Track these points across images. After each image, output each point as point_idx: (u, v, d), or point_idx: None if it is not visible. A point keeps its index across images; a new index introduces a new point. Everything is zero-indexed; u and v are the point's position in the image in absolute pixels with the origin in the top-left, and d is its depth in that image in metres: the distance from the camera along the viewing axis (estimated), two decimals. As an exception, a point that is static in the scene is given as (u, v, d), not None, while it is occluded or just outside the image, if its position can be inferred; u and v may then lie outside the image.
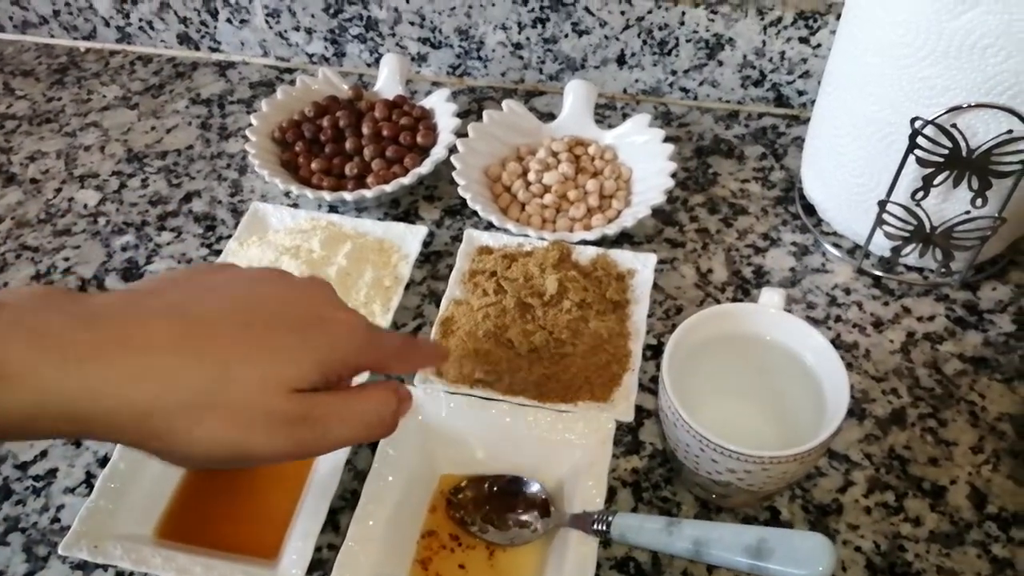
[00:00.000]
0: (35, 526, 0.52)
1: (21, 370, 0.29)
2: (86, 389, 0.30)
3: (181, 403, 0.31)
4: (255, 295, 0.35)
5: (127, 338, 0.31)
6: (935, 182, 0.56)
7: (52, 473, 0.55)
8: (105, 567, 0.50)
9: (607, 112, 0.81)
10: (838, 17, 0.71)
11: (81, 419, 0.30)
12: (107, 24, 0.90)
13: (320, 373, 0.34)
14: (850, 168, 0.61)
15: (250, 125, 0.72)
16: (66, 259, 0.69)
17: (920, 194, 0.57)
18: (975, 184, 0.55)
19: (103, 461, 0.55)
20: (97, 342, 0.30)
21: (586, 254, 0.62)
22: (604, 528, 0.45)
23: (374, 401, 0.37)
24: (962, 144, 0.53)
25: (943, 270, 0.62)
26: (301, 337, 0.34)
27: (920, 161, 0.55)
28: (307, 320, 0.35)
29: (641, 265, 0.61)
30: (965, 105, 0.52)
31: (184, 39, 0.89)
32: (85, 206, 0.74)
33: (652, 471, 0.53)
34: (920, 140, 0.54)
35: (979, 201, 0.56)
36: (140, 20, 0.89)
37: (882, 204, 0.59)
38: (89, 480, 0.54)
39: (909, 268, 0.64)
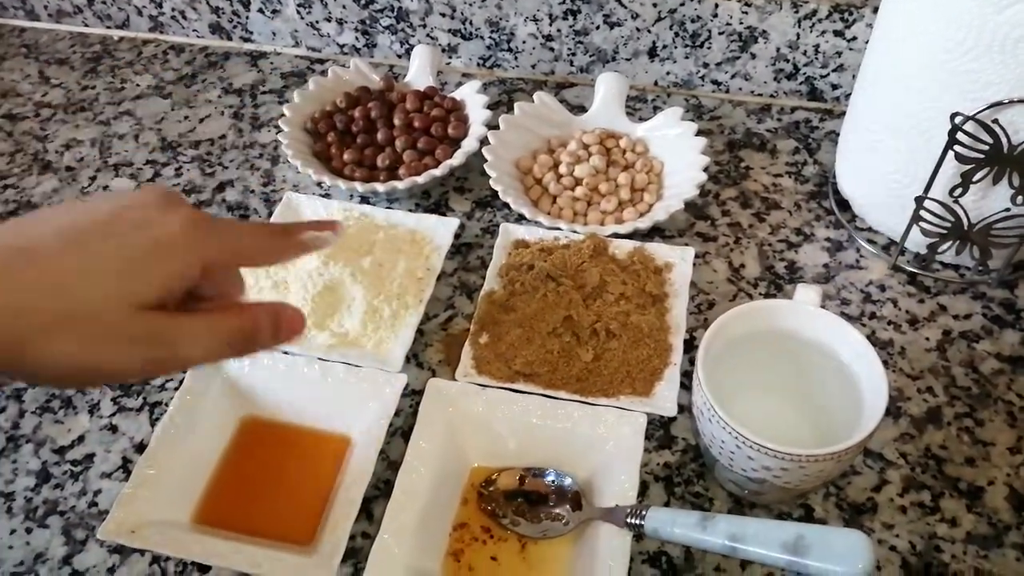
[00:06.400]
0: (73, 510, 0.53)
1: None
2: None
3: (41, 326, 0.31)
4: (87, 214, 0.34)
5: None
6: (974, 179, 0.55)
7: (89, 458, 0.56)
8: (142, 552, 0.50)
9: (638, 105, 0.80)
10: (874, 10, 0.70)
11: None
12: (140, 13, 0.91)
13: (161, 283, 0.33)
14: (886, 163, 0.60)
15: (282, 115, 0.73)
16: (101, 247, 0.69)
17: (959, 191, 0.56)
18: (1016, 181, 0.54)
19: (139, 447, 0.56)
20: None
21: (623, 247, 0.62)
22: (638, 522, 0.45)
23: (233, 318, 0.35)
24: (1003, 140, 0.52)
25: (980, 268, 0.61)
26: (133, 248, 0.33)
27: (959, 157, 0.54)
28: (138, 230, 0.34)
29: (679, 258, 0.61)
30: (1007, 100, 0.51)
31: (216, 29, 0.90)
32: (120, 195, 0.74)
33: (684, 466, 0.53)
34: (960, 136, 0.53)
35: (1019, 199, 0.55)
36: (173, 10, 0.89)
37: (919, 200, 0.58)
38: (125, 465, 0.55)
39: (945, 265, 0.63)
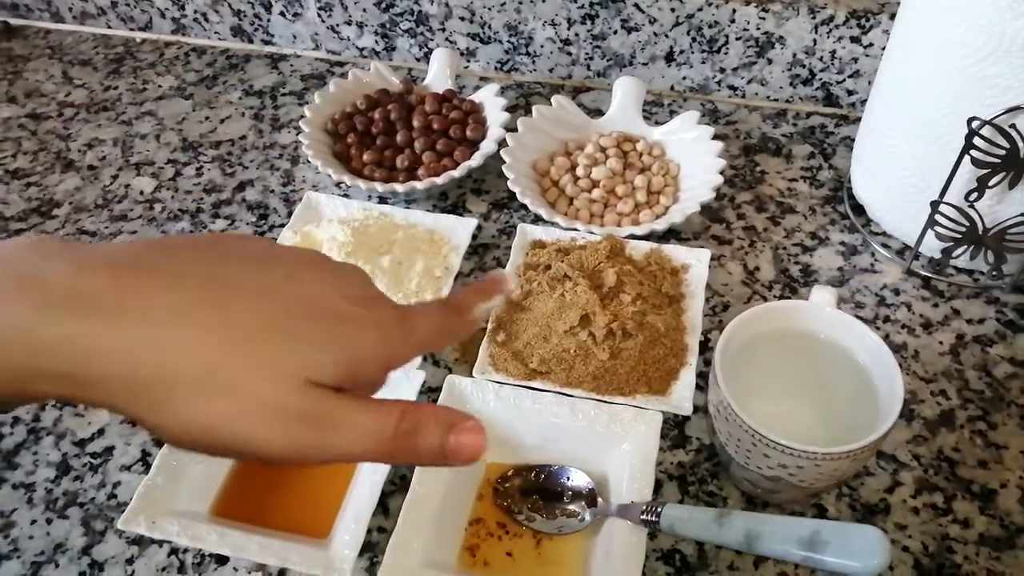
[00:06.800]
0: (92, 501, 0.54)
1: (15, 324, 0.26)
2: (82, 348, 0.26)
3: (185, 376, 0.27)
4: (290, 274, 0.31)
5: (133, 294, 0.27)
6: (990, 183, 0.55)
7: (109, 451, 0.57)
8: (160, 543, 0.51)
9: (654, 109, 0.81)
10: (891, 17, 0.70)
11: (76, 379, 0.27)
12: (163, 16, 0.92)
13: (344, 369, 0.29)
14: (902, 168, 0.61)
15: (303, 117, 0.74)
16: (123, 244, 0.70)
17: (974, 195, 0.56)
18: (1031, 186, 0.55)
19: (159, 441, 0.56)
20: (97, 295, 0.27)
21: (639, 248, 0.63)
22: (653, 519, 0.45)
23: (394, 416, 0.29)
24: (1020, 145, 0.53)
25: (994, 273, 0.61)
26: (330, 328, 0.29)
27: (975, 162, 0.54)
28: (340, 312, 0.30)
29: (695, 260, 0.62)
30: (1024, 105, 0.51)
31: (238, 31, 0.91)
32: (141, 192, 0.75)
33: (698, 465, 0.53)
34: (976, 140, 0.53)
35: (1035, 203, 0.55)
36: (195, 12, 0.90)
37: (934, 205, 0.58)
38: (145, 458, 0.56)
39: (959, 270, 0.64)
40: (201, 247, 0.31)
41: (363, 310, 0.31)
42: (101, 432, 0.58)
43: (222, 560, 0.50)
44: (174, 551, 0.51)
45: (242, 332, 0.28)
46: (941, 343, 0.59)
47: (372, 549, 0.50)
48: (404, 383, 0.54)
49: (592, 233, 0.64)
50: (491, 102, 0.75)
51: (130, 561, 0.51)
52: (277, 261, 0.31)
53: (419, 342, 0.32)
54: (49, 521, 0.53)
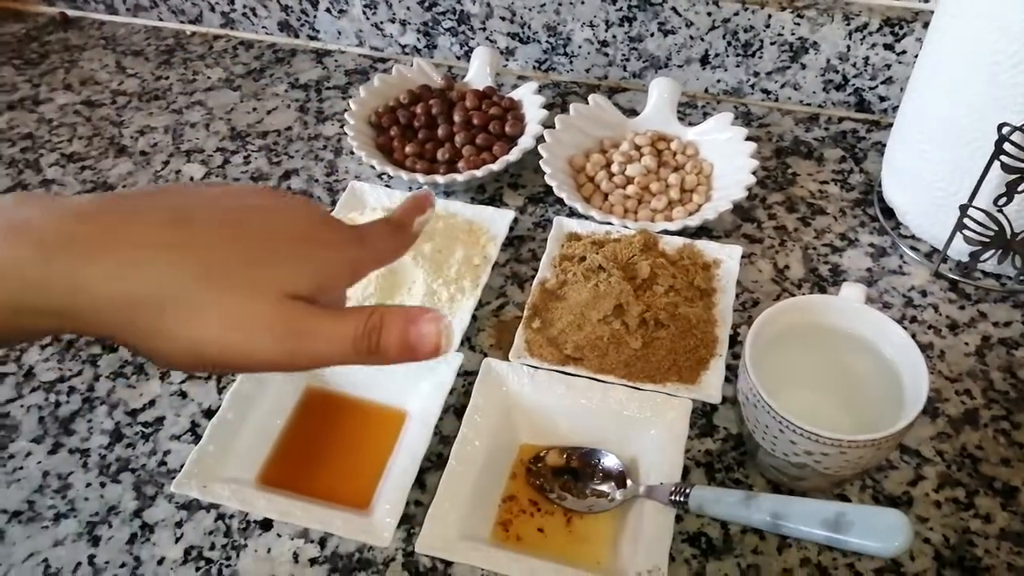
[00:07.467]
0: (144, 468, 0.57)
1: (11, 264, 0.29)
2: (71, 281, 0.29)
3: (172, 298, 0.30)
4: (252, 207, 0.34)
5: (116, 232, 0.30)
6: (1019, 188, 0.56)
7: (160, 421, 0.59)
8: (208, 508, 0.54)
9: (688, 110, 0.83)
10: (925, 25, 0.72)
11: (67, 314, 0.30)
12: (212, 9, 0.95)
13: (315, 283, 0.33)
14: (933, 173, 0.62)
15: (347, 110, 0.76)
16: (173, 227, 0.73)
17: (1003, 200, 0.58)
18: (1061, 192, 0.56)
19: (208, 412, 0.59)
20: (83, 235, 0.30)
21: (672, 243, 0.64)
22: (682, 499, 0.47)
23: (361, 319, 0.33)
24: (1050, 151, 0.54)
25: (1021, 277, 0.62)
26: (297, 248, 0.33)
27: (1005, 167, 0.56)
28: (302, 233, 0.34)
29: (727, 256, 0.64)
30: (1055, 113, 0.53)
31: (284, 26, 0.94)
32: (191, 178, 0.78)
33: (725, 454, 0.55)
34: (1006, 146, 0.55)
35: (1064, 209, 0.56)
36: (244, 7, 0.93)
37: (963, 209, 0.60)
38: (194, 428, 0.58)
39: (986, 274, 0.65)
40: (167, 194, 0.34)
41: (323, 231, 0.35)
42: (152, 403, 0.60)
43: (267, 526, 0.53)
44: (220, 516, 0.53)
45: (224, 258, 0.31)
46: (967, 344, 0.60)
47: (409, 521, 0.52)
48: (443, 365, 0.56)
49: (626, 227, 0.66)
50: (529, 100, 0.77)
51: (179, 524, 0.53)
52: (242, 198, 0.35)
53: (376, 254, 0.37)
54: (103, 485, 0.56)
